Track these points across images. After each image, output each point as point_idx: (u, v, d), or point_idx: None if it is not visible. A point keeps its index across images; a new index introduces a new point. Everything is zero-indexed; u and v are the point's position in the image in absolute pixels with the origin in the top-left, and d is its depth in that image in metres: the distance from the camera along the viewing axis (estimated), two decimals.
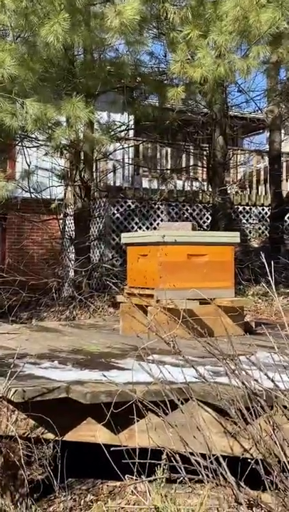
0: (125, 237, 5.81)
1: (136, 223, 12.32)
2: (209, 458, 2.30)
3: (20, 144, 8.05)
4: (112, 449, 2.80)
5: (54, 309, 7.84)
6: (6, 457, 3.40)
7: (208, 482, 2.10)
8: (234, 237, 5.61)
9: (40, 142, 7.70)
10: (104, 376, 3.04)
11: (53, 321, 7.78)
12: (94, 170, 9.44)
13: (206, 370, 3.30)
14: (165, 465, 2.42)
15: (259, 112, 12.25)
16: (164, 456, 2.48)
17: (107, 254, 11.45)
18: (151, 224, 12.60)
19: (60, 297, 7.99)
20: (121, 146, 10.57)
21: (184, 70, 5.56)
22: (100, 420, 3.20)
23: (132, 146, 11.43)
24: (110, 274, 8.07)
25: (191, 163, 12.81)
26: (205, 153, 11.47)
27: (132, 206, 12.16)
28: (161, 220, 12.57)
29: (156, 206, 12.42)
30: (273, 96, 9.63)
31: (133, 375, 3.32)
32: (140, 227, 12.31)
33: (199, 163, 12.48)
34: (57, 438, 3.29)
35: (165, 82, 7.63)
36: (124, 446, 2.97)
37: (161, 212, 12.69)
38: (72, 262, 8.52)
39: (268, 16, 5.07)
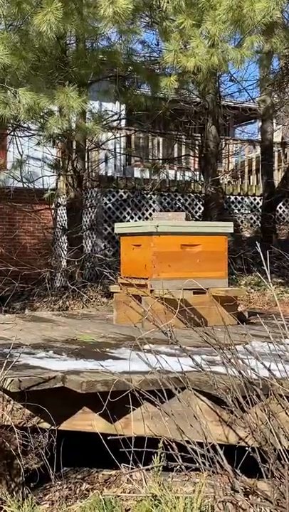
0: (119, 227, 5.81)
1: (128, 213, 12.32)
2: (206, 446, 2.32)
3: (12, 134, 8.00)
4: (109, 437, 2.82)
5: (47, 299, 7.84)
6: (2, 446, 3.41)
7: (205, 470, 2.13)
8: (227, 227, 5.63)
9: (32, 132, 7.65)
10: (101, 366, 3.05)
11: (46, 311, 7.78)
12: (86, 160, 9.42)
13: (201, 359, 3.33)
14: (162, 453, 2.44)
15: (251, 101, 12.24)
16: (160, 445, 2.50)
17: (99, 244, 11.45)
18: (143, 214, 12.60)
19: (52, 287, 7.99)
20: (113, 136, 10.54)
21: (177, 60, 5.54)
22: (96, 409, 3.21)
23: (124, 136, 11.40)
24: (103, 264, 8.08)
25: (183, 153, 12.80)
26: (197, 143, 11.46)
27: (124, 196, 12.15)
28: (154, 210, 12.57)
29: (149, 196, 12.42)
30: (266, 86, 9.62)
31: (129, 365, 3.35)
32: (132, 217, 12.31)
33: (191, 153, 12.47)
34: (53, 427, 3.31)
35: (157, 71, 7.60)
36: (120, 435, 3.00)
37: (153, 202, 12.69)
38: (65, 252, 8.51)
39: (262, 6, 5.06)
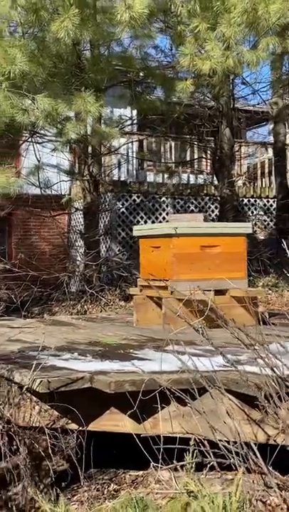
0: (137, 230, 5.84)
1: (141, 217, 12.34)
2: (239, 443, 2.34)
3: (30, 140, 8.07)
4: (140, 436, 2.84)
5: (65, 304, 7.88)
6: (31, 448, 3.44)
7: (239, 466, 2.14)
8: (246, 227, 5.65)
9: (48, 137, 7.72)
10: (133, 365, 3.08)
11: (65, 315, 7.83)
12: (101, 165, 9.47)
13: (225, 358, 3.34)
14: (194, 451, 2.46)
15: (263, 104, 12.26)
16: (192, 442, 2.52)
17: (113, 248, 11.48)
18: (156, 218, 12.62)
19: (70, 292, 8.03)
20: (128, 141, 10.59)
21: (193, 63, 5.58)
22: (123, 410, 3.24)
23: (137, 141, 11.45)
24: (120, 267, 8.11)
25: (196, 156, 12.81)
26: (211, 145, 11.48)
27: (138, 200, 12.18)
28: (167, 214, 12.59)
29: (162, 200, 12.44)
30: (278, 87, 9.63)
31: (153, 365, 3.38)
32: (146, 222, 12.33)
33: (203, 156, 12.48)
34: (80, 428, 3.34)
35: (170, 75, 7.64)
36: (150, 434, 3.02)
37: (167, 206, 12.70)
38: (82, 256, 8.56)
39: (277, 7, 5.08)
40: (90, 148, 8.11)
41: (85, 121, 5.73)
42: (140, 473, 3.65)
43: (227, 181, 9.25)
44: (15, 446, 3.38)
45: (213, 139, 11.21)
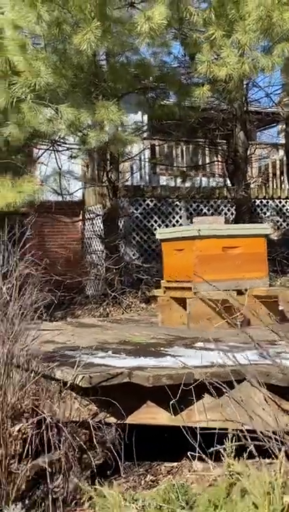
0: (160, 233, 6.02)
1: (155, 221, 12.48)
2: (268, 432, 2.50)
3: (51, 149, 8.30)
4: (182, 425, 3.00)
5: (87, 307, 8.07)
6: (71, 442, 3.61)
7: (279, 450, 2.31)
8: (265, 228, 5.83)
9: (66, 146, 7.92)
10: (173, 357, 3.25)
11: (87, 318, 8.01)
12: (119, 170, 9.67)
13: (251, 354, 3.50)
14: (232, 437, 2.62)
15: (273, 106, 12.41)
16: (230, 430, 2.69)
17: (128, 253, 11.65)
18: (170, 221, 12.77)
19: (93, 295, 8.22)
20: (145, 146, 10.77)
21: (210, 70, 5.76)
22: (159, 403, 3.42)
23: (150, 146, 11.64)
24: (140, 271, 8.29)
25: (207, 160, 12.97)
26: (225, 148, 11.64)
27: (151, 205, 12.34)
28: (180, 218, 12.75)
29: (175, 204, 12.60)
30: None
31: (185, 361, 3.55)
32: (160, 225, 12.48)
33: (217, 159, 12.63)
34: (118, 422, 3.51)
35: (184, 81, 7.81)
36: (185, 425, 3.19)
37: (180, 210, 12.85)
38: (103, 261, 8.76)
39: None
40: (107, 155, 8.31)
41: (106, 129, 5.93)
42: (175, 464, 3.82)
43: (243, 183, 9.41)
44: (56, 441, 3.55)
45: (225, 142, 11.38)
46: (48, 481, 3.39)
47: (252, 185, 11.61)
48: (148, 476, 3.80)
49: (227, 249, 5.49)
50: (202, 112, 8.90)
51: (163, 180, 13.43)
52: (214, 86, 6.55)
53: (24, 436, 3.33)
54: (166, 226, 12.55)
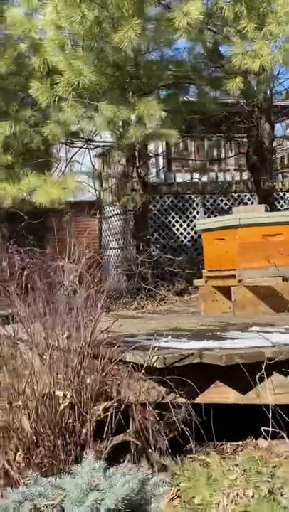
0: (200, 224, 6.16)
1: (172, 217, 12.57)
2: None
3: (85, 147, 8.45)
4: (255, 403, 3.12)
5: (122, 301, 8.20)
6: (140, 423, 3.74)
7: None
8: None
9: (96, 143, 8.08)
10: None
11: (122, 311, 8.14)
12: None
13: None
14: None
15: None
16: None
17: (147, 249, 11.74)
18: (187, 217, 12.86)
19: (125, 289, 8.37)
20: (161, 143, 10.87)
21: (244, 62, 5.89)
22: (228, 382, 3.55)
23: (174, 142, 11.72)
24: (172, 264, 8.43)
25: (224, 154, 13.03)
26: (243, 142, 11.73)
27: (168, 201, 12.44)
28: (197, 213, 12.88)
29: (192, 199, 12.69)
30: None
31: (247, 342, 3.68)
32: (177, 221, 12.58)
33: (230, 154, 12.69)
34: (188, 401, 3.63)
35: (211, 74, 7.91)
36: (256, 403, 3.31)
37: (197, 205, 12.96)
38: (136, 256, 8.90)
39: None
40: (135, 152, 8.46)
41: (147, 125, 6.07)
42: (240, 443, 3.94)
43: (271, 175, 9.54)
44: (128, 421, 3.67)
45: (245, 135, 11.46)
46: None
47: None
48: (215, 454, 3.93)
49: (268, 236, 5.61)
50: (230, 107, 9.03)
51: (178, 177, 13.53)
52: (246, 78, 6.68)
53: (101, 417, 3.47)
54: (184, 222, 12.67)
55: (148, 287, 7.82)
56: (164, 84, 8.15)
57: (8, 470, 2.53)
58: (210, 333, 4.35)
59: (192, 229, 12.57)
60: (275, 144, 10.78)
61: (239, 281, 5.50)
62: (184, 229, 12.49)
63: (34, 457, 2.91)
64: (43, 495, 1.94)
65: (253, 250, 5.48)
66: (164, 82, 7.26)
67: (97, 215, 12.49)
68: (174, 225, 12.50)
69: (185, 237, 12.54)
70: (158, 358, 3.35)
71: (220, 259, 5.76)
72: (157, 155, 9.75)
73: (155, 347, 3.44)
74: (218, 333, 4.37)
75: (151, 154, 9.59)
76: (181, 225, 12.55)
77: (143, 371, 3.37)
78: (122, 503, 1.84)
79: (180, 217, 12.82)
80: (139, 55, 7.17)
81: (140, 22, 5.24)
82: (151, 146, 10.67)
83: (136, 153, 8.38)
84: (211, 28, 6.85)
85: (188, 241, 12.42)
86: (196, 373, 3.52)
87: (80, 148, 8.46)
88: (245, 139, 11.72)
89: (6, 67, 6.12)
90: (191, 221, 12.67)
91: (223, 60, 6.69)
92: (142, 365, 3.47)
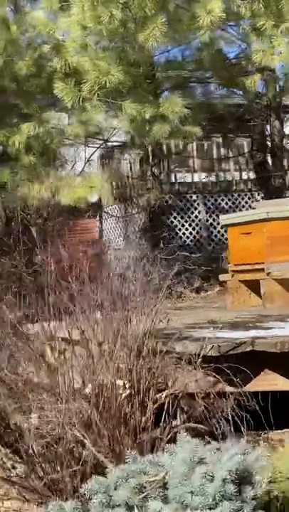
0: (224, 219, 6.22)
1: (174, 217, 12.62)
2: None
3: (103, 147, 8.52)
4: None
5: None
6: (189, 412, 3.79)
7: None
8: None
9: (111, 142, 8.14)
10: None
11: None
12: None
13: None
14: None
15: None
16: None
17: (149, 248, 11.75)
18: (189, 217, 12.91)
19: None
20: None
21: (265, 58, 5.97)
22: (278, 370, 3.61)
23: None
24: (187, 261, 8.49)
25: (225, 154, 13.09)
26: (248, 141, 11.82)
27: (169, 201, 12.49)
28: (199, 212, 12.94)
29: (192, 199, 12.75)
30: None
31: None
32: (179, 221, 12.62)
33: (231, 154, 12.74)
34: (237, 390, 3.69)
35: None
36: None
37: (198, 205, 13.00)
38: (150, 254, 8.93)
39: None
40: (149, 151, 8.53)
41: (171, 123, 6.14)
42: (284, 431, 4.00)
43: (281, 172, 9.63)
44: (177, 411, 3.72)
45: (251, 134, 11.55)
46: None
47: None
48: (261, 442, 3.99)
49: None
50: (239, 106, 9.10)
51: (179, 176, 13.56)
52: (262, 75, 6.76)
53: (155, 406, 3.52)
54: (186, 222, 12.73)
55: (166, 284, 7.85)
56: (182, 83, 8.21)
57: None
58: (250, 324, 4.41)
59: (194, 228, 12.62)
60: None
61: (268, 274, 5.55)
62: (186, 229, 12.54)
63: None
64: (144, 472, 2.00)
65: (282, 243, 5.54)
66: (184, 80, 7.33)
67: (97, 217, 12.56)
68: (176, 225, 12.56)
69: (187, 237, 12.60)
70: (213, 346, 3.41)
71: (247, 253, 5.81)
72: (177, 153, 9.80)
73: (209, 337, 3.51)
74: (258, 324, 4.43)
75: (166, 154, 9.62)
76: (183, 225, 12.60)
77: (200, 359, 3.42)
78: (234, 474, 1.90)
79: (182, 217, 12.87)
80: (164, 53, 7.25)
81: (164, 21, 5.32)
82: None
83: (149, 152, 8.44)
84: (230, 25, 6.92)
85: (191, 241, 12.49)
86: (247, 362, 3.58)
87: (99, 147, 8.52)
88: (249, 139, 11.81)
89: (27, 69, 6.18)
90: (193, 221, 12.72)
91: (240, 58, 6.78)
92: (197, 354, 3.52)
